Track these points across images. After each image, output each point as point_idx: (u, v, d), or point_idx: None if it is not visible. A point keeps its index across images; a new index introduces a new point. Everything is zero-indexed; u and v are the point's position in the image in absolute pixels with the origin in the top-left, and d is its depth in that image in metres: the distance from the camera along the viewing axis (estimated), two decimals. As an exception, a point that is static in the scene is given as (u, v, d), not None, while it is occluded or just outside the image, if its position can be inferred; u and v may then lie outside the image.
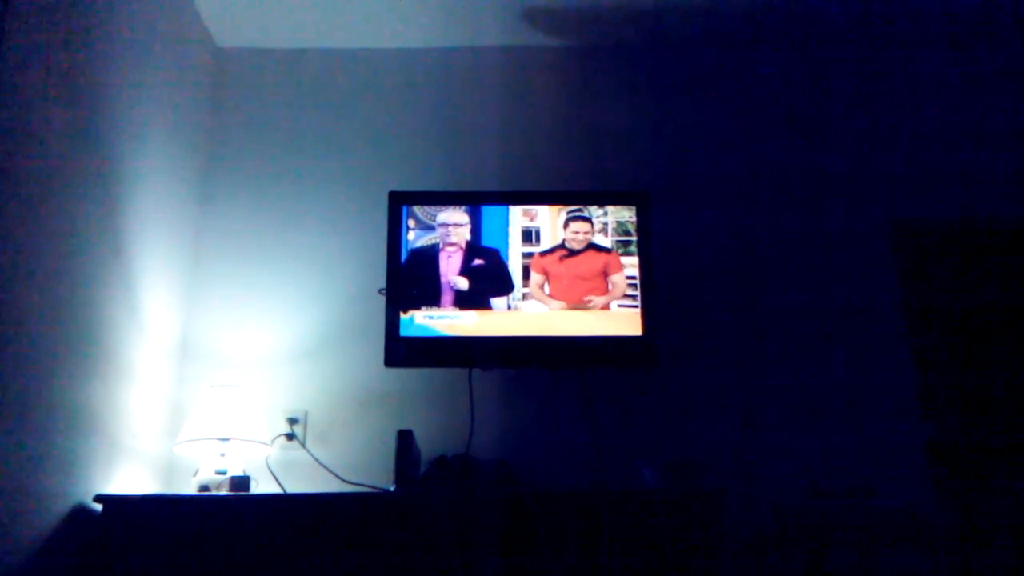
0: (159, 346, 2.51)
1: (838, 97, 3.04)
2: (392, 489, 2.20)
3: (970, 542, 2.51)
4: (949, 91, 3.05)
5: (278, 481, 2.47)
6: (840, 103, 3.04)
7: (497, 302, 2.49)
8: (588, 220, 2.56)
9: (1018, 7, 2.93)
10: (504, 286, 2.50)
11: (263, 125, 2.98)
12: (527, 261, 2.53)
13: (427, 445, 2.42)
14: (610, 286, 2.52)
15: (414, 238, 2.54)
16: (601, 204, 2.59)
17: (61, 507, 1.98)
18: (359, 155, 2.94)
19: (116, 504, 2.07)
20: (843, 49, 3.09)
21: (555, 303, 2.50)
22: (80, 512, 2.04)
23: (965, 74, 3.07)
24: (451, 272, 2.51)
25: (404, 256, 2.52)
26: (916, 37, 3.06)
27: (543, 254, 2.54)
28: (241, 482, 2.27)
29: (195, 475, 2.33)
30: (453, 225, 2.55)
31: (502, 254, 2.54)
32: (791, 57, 3.09)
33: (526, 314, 2.49)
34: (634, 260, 2.53)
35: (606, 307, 2.50)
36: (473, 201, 2.60)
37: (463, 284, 2.50)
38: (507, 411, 2.60)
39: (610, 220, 2.57)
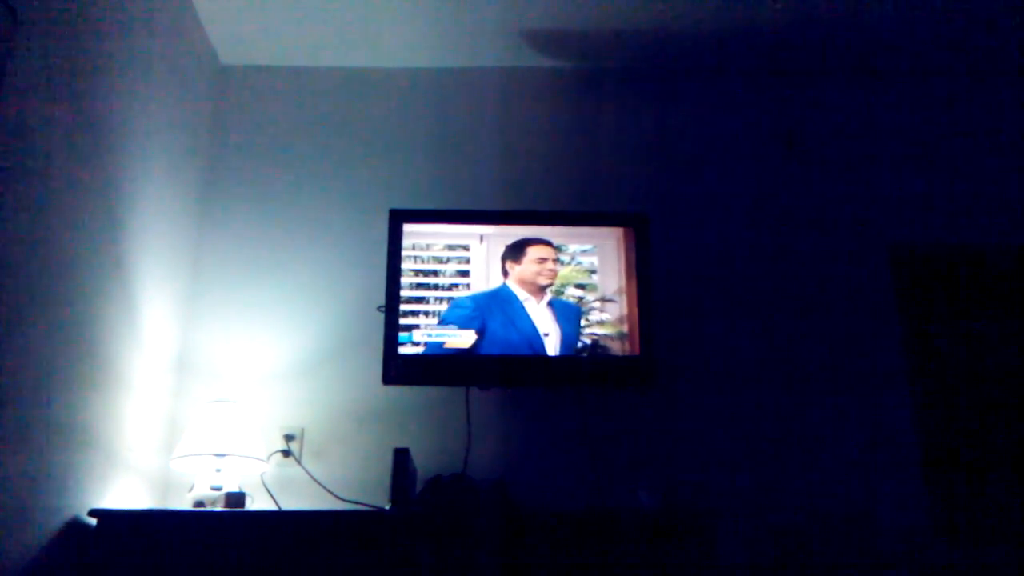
0: (157, 360, 2.51)
1: (838, 122, 3.07)
2: (388, 508, 2.20)
3: (967, 563, 2.50)
4: (949, 117, 3.07)
5: (273, 498, 2.46)
6: (840, 128, 3.06)
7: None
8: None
9: (1015, 35, 2.97)
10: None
11: (264, 141, 3.00)
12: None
13: (423, 464, 2.42)
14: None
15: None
16: (599, 225, 2.61)
17: (55, 521, 1.97)
18: (359, 173, 2.96)
19: (111, 519, 2.06)
20: (843, 74, 3.12)
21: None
22: (74, 526, 2.03)
23: (965, 100, 3.09)
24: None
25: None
26: (915, 63, 3.10)
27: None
28: (236, 498, 2.27)
29: (190, 490, 2.32)
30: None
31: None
32: (791, 82, 3.12)
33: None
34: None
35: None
36: (472, 220, 2.61)
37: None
38: (504, 431, 2.60)
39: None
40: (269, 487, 2.47)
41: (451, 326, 2.49)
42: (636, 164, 2.99)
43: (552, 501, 2.48)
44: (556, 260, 2.57)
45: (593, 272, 2.57)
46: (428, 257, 2.57)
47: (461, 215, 2.64)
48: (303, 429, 2.60)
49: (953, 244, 2.91)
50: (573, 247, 2.59)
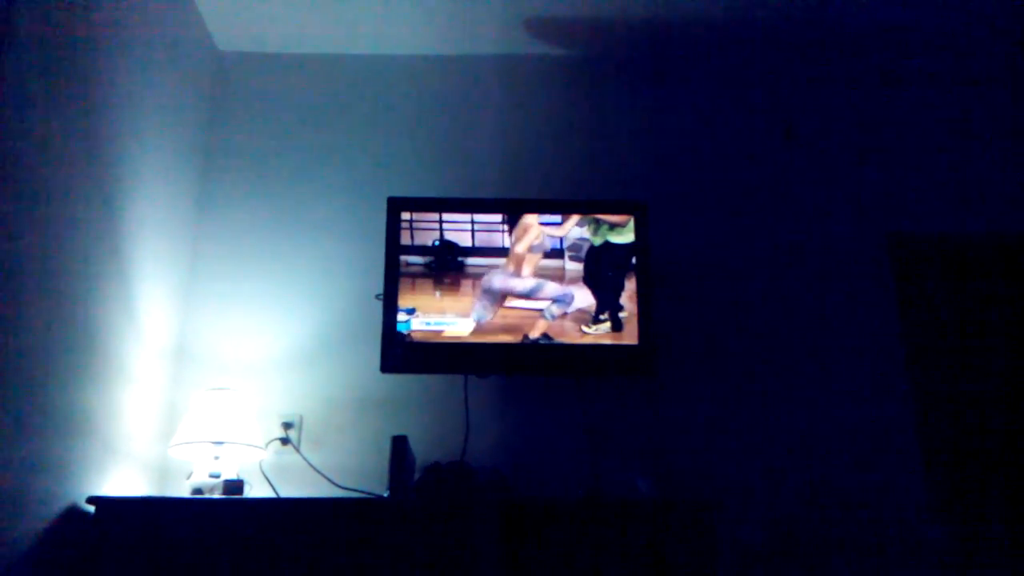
0: (155, 348, 2.51)
1: (838, 111, 3.06)
2: (386, 495, 2.20)
3: (966, 555, 2.51)
4: (948, 106, 3.07)
5: (272, 485, 2.46)
6: (840, 117, 3.05)
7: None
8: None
9: (1012, 25, 2.96)
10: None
11: (262, 129, 2.98)
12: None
13: (422, 451, 2.42)
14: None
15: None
16: (597, 213, 2.60)
17: (54, 508, 1.97)
18: (358, 161, 2.95)
19: (109, 506, 2.06)
20: (842, 63, 3.11)
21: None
22: (73, 513, 2.03)
23: (964, 89, 3.08)
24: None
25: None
26: (915, 52, 3.08)
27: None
28: (235, 486, 2.27)
29: (189, 478, 2.32)
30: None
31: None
32: (791, 70, 3.11)
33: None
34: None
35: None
36: (472, 209, 2.60)
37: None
38: (502, 418, 2.60)
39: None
40: (267, 475, 2.48)
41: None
42: (636, 152, 2.98)
43: (550, 489, 2.49)
44: None
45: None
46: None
47: (460, 204, 2.62)
48: (301, 417, 2.60)
49: (952, 233, 2.90)
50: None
